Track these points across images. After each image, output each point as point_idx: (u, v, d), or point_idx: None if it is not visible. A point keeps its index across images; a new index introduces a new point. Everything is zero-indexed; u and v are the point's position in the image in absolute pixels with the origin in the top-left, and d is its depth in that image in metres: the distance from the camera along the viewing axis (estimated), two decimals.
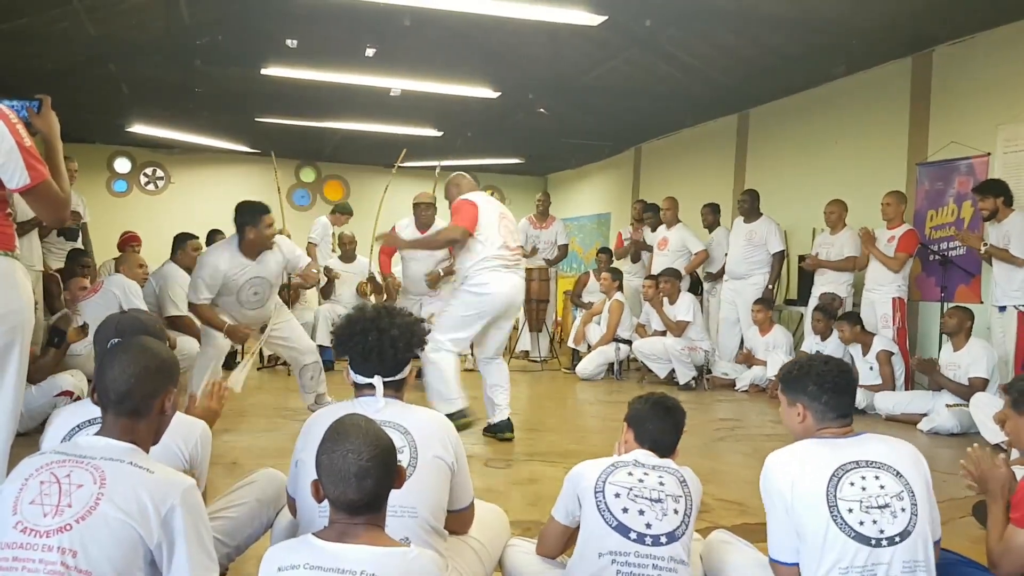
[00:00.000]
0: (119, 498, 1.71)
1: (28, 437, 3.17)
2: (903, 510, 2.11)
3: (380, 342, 2.23)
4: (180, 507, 1.74)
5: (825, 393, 2.26)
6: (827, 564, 2.08)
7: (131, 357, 1.89)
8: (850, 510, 2.09)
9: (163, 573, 1.74)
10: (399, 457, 1.90)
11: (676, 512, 2.21)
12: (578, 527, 2.28)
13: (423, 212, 7.12)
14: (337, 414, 2.20)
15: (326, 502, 2.02)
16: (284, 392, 6.96)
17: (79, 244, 7.03)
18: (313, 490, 1.72)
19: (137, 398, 1.86)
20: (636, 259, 9.53)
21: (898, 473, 2.16)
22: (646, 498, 2.20)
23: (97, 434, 1.87)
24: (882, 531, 2.08)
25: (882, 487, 2.13)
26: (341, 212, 9.62)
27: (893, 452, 2.21)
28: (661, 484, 2.24)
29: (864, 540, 2.07)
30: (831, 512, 2.09)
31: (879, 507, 2.10)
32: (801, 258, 7.67)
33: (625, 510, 2.18)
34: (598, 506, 2.20)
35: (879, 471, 2.15)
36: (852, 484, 2.12)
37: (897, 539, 2.08)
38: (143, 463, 1.80)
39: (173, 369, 1.98)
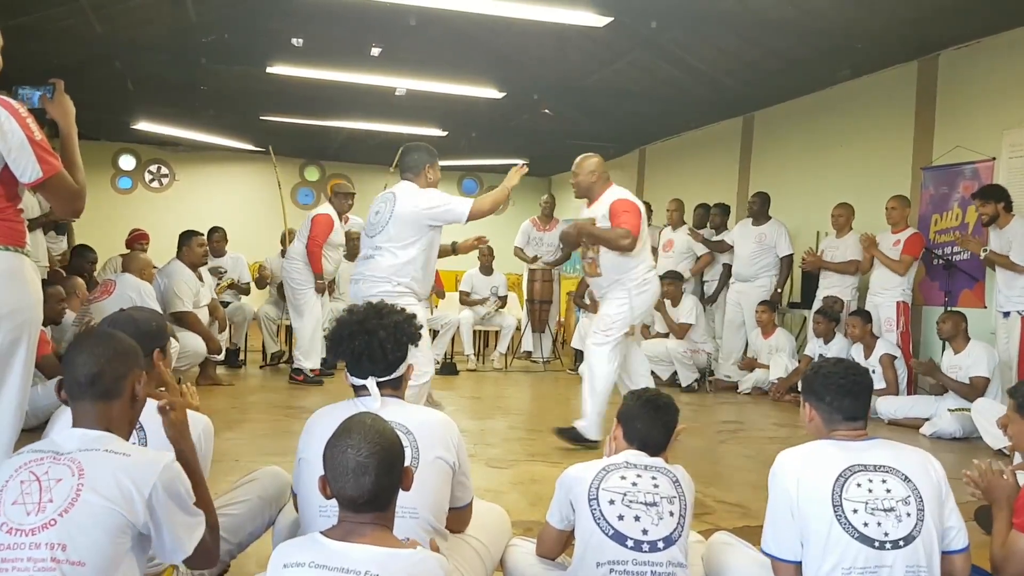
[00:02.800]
0: (100, 485, 1.73)
1: (32, 434, 3.17)
2: (908, 515, 2.11)
3: (369, 344, 2.22)
4: (161, 485, 1.77)
5: (829, 393, 2.27)
6: (829, 564, 2.08)
7: (95, 341, 1.94)
8: (855, 511, 2.09)
9: (154, 545, 1.79)
10: None
11: (672, 514, 2.21)
12: (574, 529, 2.28)
13: (348, 201, 7.38)
14: (338, 413, 2.21)
15: (327, 502, 2.03)
16: (287, 390, 6.97)
17: (69, 239, 7.06)
18: (320, 485, 1.73)
19: (108, 379, 1.88)
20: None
21: (906, 478, 2.16)
22: (641, 502, 2.20)
23: (73, 426, 1.88)
24: (886, 534, 2.08)
25: (888, 491, 2.13)
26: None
27: (903, 457, 2.22)
28: (655, 486, 2.24)
29: (867, 542, 2.07)
30: (835, 512, 2.10)
31: (884, 510, 2.10)
32: (802, 260, 7.65)
33: (621, 517, 2.18)
34: (593, 515, 2.20)
35: (887, 475, 2.16)
36: (859, 486, 2.13)
37: (901, 543, 2.08)
38: (118, 448, 1.82)
39: (137, 353, 2.00)
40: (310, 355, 7.21)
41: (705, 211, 8.79)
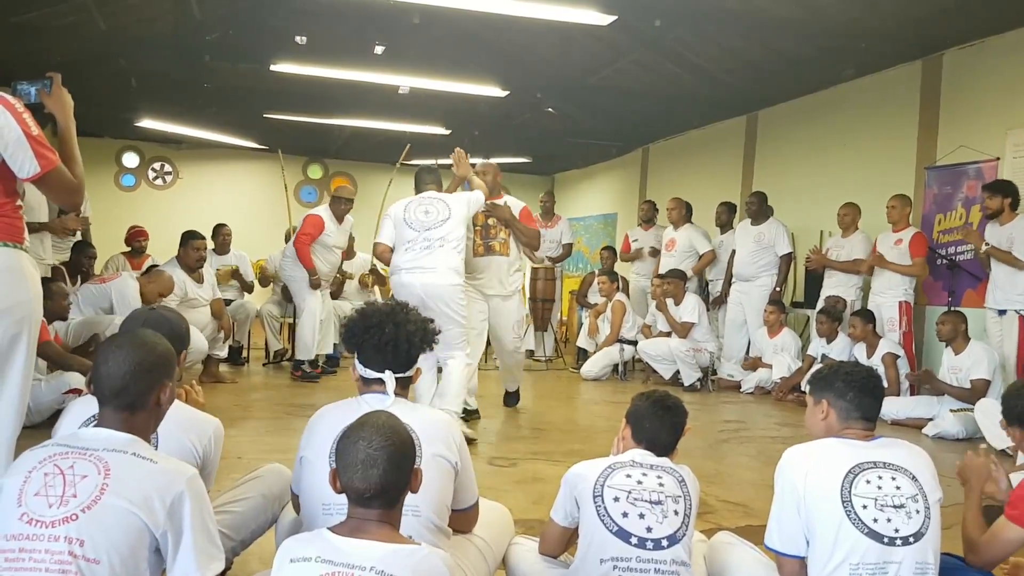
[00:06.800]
0: (124, 488, 1.72)
1: (35, 430, 3.17)
2: (917, 512, 2.12)
3: (396, 335, 2.22)
4: (187, 496, 1.76)
5: (851, 391, 2.28)
6: (837, 559, 2.08)
7: (126, 352, 1.88)
8: (864, 507, 2.10)
9: (167, 561, 1.76)
10: None
11: (676, 513, 2.20)
12: (578, 527, 2.28)
13: (342, 206, 7.41)
14: (341, 411, 2.21)
15: (330, 500, 2.03)
16: (289, 387, 6.98)
17: (75, 238, 7.05)
18: (331, 477, 1.74)
19: (133, 393, 1.87)
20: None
21: (914, 477, 2.17)
22: (645, 500, 2.20)
23: (96, 426, 1.88)
24: (896, 530, 2.09)
25: (898, 488, 2.14)
26: None
27: (911, 457, 2.23)
28: (660, 485, 2.24)
29: (877, 537, 2.08)
30: (845, 507, 2.10)
31: (894, 506, 2.11)
32: (807, 258, 7.64)
33: (625, 515, 2.17)
34: (597, 511, 2.20)
35: (896, 472, 2.17)
36: (868, 482, 2.14)
37: (911, 540, 2.09)
38: (146, 454, 1.82)
39: (169, 363, 1.98)
40: (307, 350, 7.25)
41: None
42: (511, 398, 6.31)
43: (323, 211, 7.38)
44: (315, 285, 7.29)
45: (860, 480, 2.13)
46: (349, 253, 8.47)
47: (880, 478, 2.15)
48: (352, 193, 7.59)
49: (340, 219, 7.42)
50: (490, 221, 5.72)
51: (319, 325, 7.32)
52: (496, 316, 5.65)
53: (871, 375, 2.33)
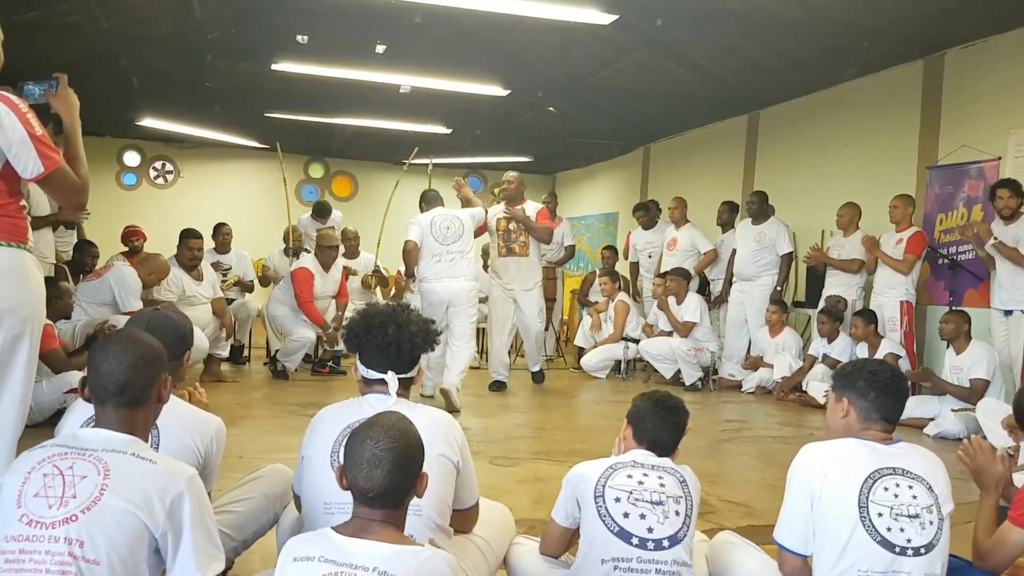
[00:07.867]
0: (124, 489, 1.72)
1: (36, 429, 3.17)
2: (931, 523, 2.11)
3: (399, 335, 2.22)
4: (187, 496, 1.76)
5: (873, 390, 2.26)
6: (846, 563, 2.08)
7: (124, 348, 1.89)
8: (880, 514, 2.09)
9: (167, 562, 1.76)
10: None
11: (677, 514, 2.20)
12: (579, 527, 2.28)
13: (326, 254, 7.40)
14: (343, 411, 2.22)
15: (332, 499, 2.03)
16: (290, 387, 6.98)
17: (75, 236, 7.06)
18: (338, 474, 1.74)
19: (138, 388, 1.87)
20: None
21: (930, 487, 2.16)
22: (647, 501, 2.19)
23: (95, 427, 1.88)
24: (909, 540, 2.08)
25: (915, 497, 2.12)
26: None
27: (929, 466, 2.22)
28: (662, 485, 2.24)
29: (888, 546, 2.07)
30: (860, 513, 2.09)
31: (909, 516, 2.09)
32: (806, 255, 7.63)
33: (626, 515, 2.17)
34: (599, 511, 2.19)
35: (913, 481, 2.15)
36: (886, 489, 2.12)
37: (922, 551, 2.08)
38: (146, 454, 1.82)
39: (163, 356, 1.99)
40: (290, 357, 7.29)
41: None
42: (538, 375, 7.42)
43: (309, 262, 7.31)
44: (331, 340, 7.39)
45: (878, 487, 2.12)
46: (353, 253, 8.49)
47: (898, 486, 2.13)
48: (336, 240, 7.55)
49: (327, 268, 7.36)
50: (511, 226, 6.90)
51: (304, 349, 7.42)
52: (521, 306, 7.02)
53: (895, 376, 2.31)
